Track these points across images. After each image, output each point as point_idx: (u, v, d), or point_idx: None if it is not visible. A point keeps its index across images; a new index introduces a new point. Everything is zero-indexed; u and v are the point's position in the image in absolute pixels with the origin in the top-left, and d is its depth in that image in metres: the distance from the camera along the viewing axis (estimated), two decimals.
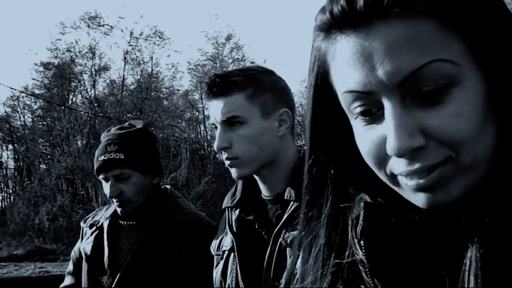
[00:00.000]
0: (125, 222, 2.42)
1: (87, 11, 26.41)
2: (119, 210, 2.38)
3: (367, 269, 0.74)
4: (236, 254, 1.72)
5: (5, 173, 29.17)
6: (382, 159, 0.71)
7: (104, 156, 2.31)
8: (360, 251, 0.75)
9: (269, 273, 1.60)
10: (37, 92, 27.80)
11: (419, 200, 0.70)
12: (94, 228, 2.48)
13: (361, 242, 0.75)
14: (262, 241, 1.67)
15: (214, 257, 1.91)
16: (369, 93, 0.69)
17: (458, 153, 0.66)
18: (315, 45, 0.78)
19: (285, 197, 1.64)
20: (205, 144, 26.38)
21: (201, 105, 27.30)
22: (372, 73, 0.67)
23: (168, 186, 2.59)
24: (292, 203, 1.63)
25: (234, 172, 1.70)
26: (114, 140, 2.35)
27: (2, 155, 28.99)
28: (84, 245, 2.47)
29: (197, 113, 27.90)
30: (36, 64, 27.26)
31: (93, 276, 2.40)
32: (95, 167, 2.36)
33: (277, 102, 1.71)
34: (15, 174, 28.45)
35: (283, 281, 0.95)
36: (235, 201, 1.81)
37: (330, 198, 0.82)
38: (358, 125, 0.74)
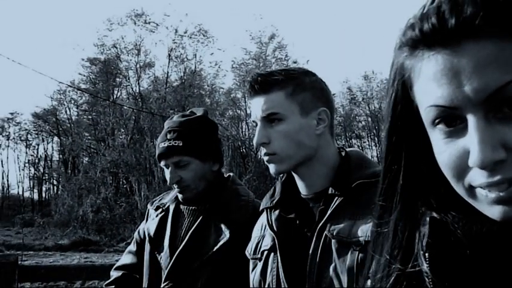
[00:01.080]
0: (186, 207, 2.46)
1: (133, 9, 26.85)
2: (179, 196, 2.44)
3: (430, 281, 0.77)
4: (278, 252, 1.73)
5: (50, 164, 29.88)
6: (462, 171, 0.73)
7: (164, 144, 2.35)
8: (424, 262, 0.78)
9: (313, 268, 1.62)
10: (83, 86, 28.39)
11: (495, 212, 0.71)
12: (160, 210, 2.55)
13: (426, 255, 0.78)
14: (304, 238, 1.67)
15: (251, 261, 1.92)
16: (454, 109, 0.71)
17: None
18: (398, 61, 0.81)
19: (330, 193, 1.67)
20: (247, 142, 26.57)
21: (244, 104, 27.53)
22: (458, 89, 0.70)
23: (231, 174, 2.59)
24: (336, 198, 1.66)
25: (272, 168, 1.72)
26: (174, 128, 2.38)
27: (47, 147, 29.67)
28: (149, 225, 2.54)
29: (239, 111, 28.16)
30: (83, 59, 27.80)
31: (154, 256, 2.45)
32: (156, 154, 2.41)
33: (316, 101, 1.74)
34: (60, 166, 29.10)
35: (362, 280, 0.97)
36: (274, 201, 1.82)
37: (398, 209, 0.85)
38: (438, 138, 0.76)
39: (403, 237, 0.83)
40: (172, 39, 26.78)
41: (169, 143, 2.33)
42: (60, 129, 28.41)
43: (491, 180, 0.69)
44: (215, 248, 2.24)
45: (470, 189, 0.73)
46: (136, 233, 2.64)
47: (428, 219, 0.81)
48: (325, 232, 1.61)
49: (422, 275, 0.78)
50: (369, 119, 31.29)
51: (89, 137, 28.03)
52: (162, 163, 2.37)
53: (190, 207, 2.44)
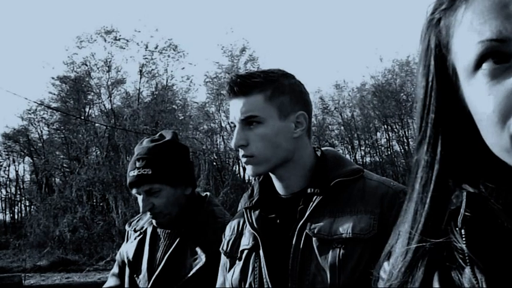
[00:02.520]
0: (162, 230, 2.47)
1: (103, 25, 26.75)
2: (154, 222, 2.43)
3: (466, 258, 0.74)
4: (261, 250, 1.73)
5: (22, 185, 29.45)
6: (509, 112, 0.70)
7: (133, 172, 2.35)
8: (460, 239, 0.76)
9: (295, 266, 1.62)
10: (53, 105, 28.11)
11: None
12: (138, 233, 2.55)
13: (462, 231, 0.76)
14: (285, 237, 1.68)
15: (225, 258, 1.93)
16: (503, 41, 0.70)
17: None
18: (430, 29, 0.83)
19: (308, 191, 1.69)
20: (223, 155, 26.62)
21: (218, 117, 27.62)
22: (507, 20, 0.69)
23: (208, 194, 2.60)
24: (315, 196, 1.67)
25: (249, 169, 1.75)
26: (143, 155, 2.36)
27: (18, 167, 29.23)
28: (128, 248, 2.55)
29: (214, 125, 28.18)
30: (53, 78, 27.54)
31: (133, 279, 2.46)
32: (127, 182, 2.40)
33: (294, 104, 1.75)
34: (32, 186, 28.70)
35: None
36: (253, 201, 1.83)
37: (423, 182, 0.84)
38: (482, 83, 0.74)
39: (427, 214, 0.82)
40: (143, 55, 26.78)
41: (139, 171, 2.33)
42: (32, 149, 28.01)
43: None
44: (191, 273, 2.25)
45: None
46: (118, 255, 2.64)
47: (465, 193, 0.79)
48: (306, 231, 1.63)
49: (450, 251, 0.77)
50: (342, 127, 31.56)
51: (62, 156, 27.71)
52: (134, 191, 2.37)
53: (167, 231, 2.45)
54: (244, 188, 23.31)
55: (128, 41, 26.44)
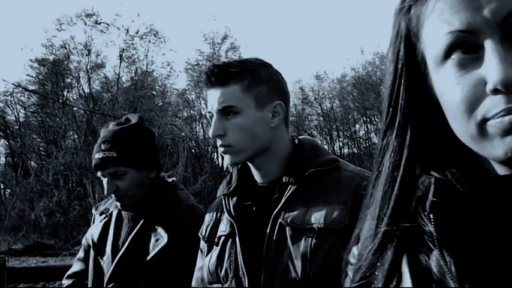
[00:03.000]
0: (127, 213, 2.49)
1: (84, 9, 26.43)
2: (118, 204, 2.45)
3: (435, 240, 0.76)
4: (238, 238, 1.75)
5: None
6: (477, 101, 0.72)
7: (98, 155, 2.36)
8: (429, 223, 0.77)
9: (269, 254, 1.64)
10: (31, 88, 27.73)
11: (508, 143, 0.71)
12: (104, 215, 2.57)
13: (431, 215, 0.77)
14: (261, 224, 1.70)
15: (203, 243, 1.95)
16: (471, 32, 0.72)
17: None
18: (401, 17, 0.84)
19: (283, 181, 1.70)
20: (202, 142, 26.57)
21: (198, 104, 27.55)
22: (477, 12, 0.71)
23: (174, 179, 2.63)
24: (290, 186, 1.69)
25: (227, 159, 1.78)
26: (108, 138, 2.38)
27: None
28: (93, 230, 2.57)
29: (193, 112, 28.12)
30: (32, 60, 27.19)
31: (98, 261, 2.48)
32: (92, 165, 2.42)
33: (271, 94, 1.77)
34: (7, 169, 28.32)
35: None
36: (231, 188, 1.85)
37: (390, 169, 0.85)
38: (450, 73, 0.76)
39: (395, 198, 0.83)
40: (124, 39, 26.55)
41: (104, 154, 2.35)
42: (8, 131, 27.63)
43: (510, 105, 0.69)
44: (153, 253, 2.29)
45: (482, 124, 0.73)
46: (84, 239, 2.64)
47: (432, 179, 0.80)
48: (280, 220, 1.66)
49: (419, 235, 0.79)
50: (321, 118, 31.69)
51: (39, 140, 27.39)
52: (99, 174, 2.40)
53: (131, 213, 2.48)
54: (223, 176, 23.20)
55: (108, 25, 26.22)
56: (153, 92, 28.06)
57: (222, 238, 1.83)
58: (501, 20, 0.71)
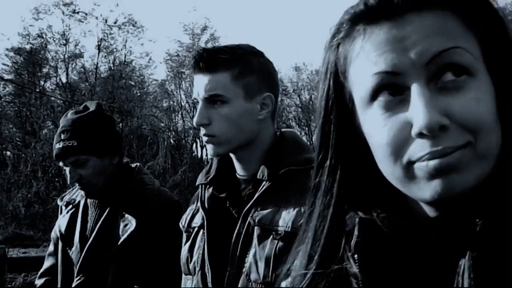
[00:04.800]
0: (92, 200, 2.49)
1: None
2: (82, 192, 2.48)
3: (360, 282, 0.75)
4: (205, 231, 1.71)
5: None
6: (403, 144, 0.72)
7: (59, 144, 2.35)
8: (354, 264, 0.76)
9: (236, 252, 1.60)
10: (7, 77, 27.37)
11: (434, 187, 0.70)
12: (70, 206, 2.55)
13: (355, 256, 0.76)
14: (232, 219, 1.66)
15: (184, 233, 1.90)
16: (397, 74, 0.72)
17: (476, 138, 0.69)
18: (331, 53, 0.83)
19: (258, 177, 1.65)
20: (182, 134, 26.56)
21: (177, 96, 27.50)
22: (403, 53, 0.71)
23: (138, 164, 2.63)
24: (264, 182, 1.63)
25: (210, 149, 1.71)
26: (67, 127, 2.35)
27: None
28: (60, 222, 2.56)
29: (173, 103, 28.05)
30: (8, 49, 26.80)
31: (66, 252, 2.47)
32: (54, 155, 2.42)
33: (261, 85, 1.70)
34: None
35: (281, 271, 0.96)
36: (209, 178, 1.79)
37: (321, 208, 0.84)
38: (377, 115, 0.75)
39: (325, 237, 0.82)
40: (102, 29, 26.34)
41: (64, 143, 2.33)
42: None
43: (435, 149, 0.69)
44: (122, 238, 2.29)
45: (408, 167, 0.72)
46: (52, 233, 2.63)
47: (357, 219, 0.79)
48: (249, 218, 1.62)
49: (346, 276, 0.78)
50: (299, 109, 31.81)
51: (15, 130, 27.07)
52: (61, 163, 2.41)
53: (96, 201, 2.49)
54: (202, 167, 23.30)
55: (86, 14, 25.95)
56: (131, 82, 27.88)
57: (195, 229, 1.81)
58: (427, 62, 0.71)
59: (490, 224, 0.68)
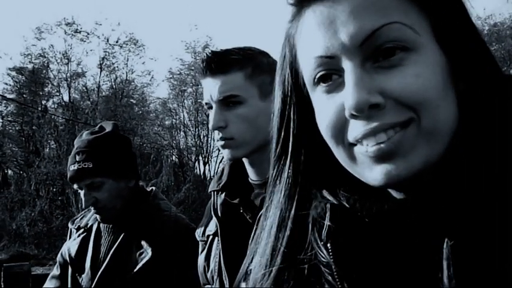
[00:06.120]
0: (106, 225, 2.39)
1: (64, 17, 26.35)
2: (98, 217, 2.36)
3: (334, 272, 0.71)
4: (220, 238, 1.67)
5: None
6: (341, 126, 0.70)
7: (74, 166, 2.26)
8: (326, 254, 0.72)
9: None
10: (9, 97, 27.48)
11: (378, 173, 0.68)
12: (82, 230, 2.46)
13: (328, 245, 0.72)
14: (246, 225, 1.59)
15: (200, 243, 1.85)
16: (331, 57, 0.70)
17: (419, 114, 0.66)
18: (286, 34, 0.81)
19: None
20: (185, 151, 26.62)
21: (181, 113, 27.60)
22: (334, 36, 0.69)
23: (153, 188, 2.52)
24: None
25: (227, 153, 1.64)
26: (83, 148, 2.27)
27: None
28: (70, 246, 2.45)
29: (175, 121, 28.15)
30: (10, 69, 26.95)
31: (76, 279, 2.37)
32: (68, 177, 2.32)
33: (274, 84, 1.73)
34: None
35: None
36: (221, 184, 1.74)
37: (287, 198, 0.80)
38: (318, 98, 0.74)
39: (291, 228, 0.78)
40: (104, 48, 26.54)
41: (79, 165, 2.23)
42: None
43: (368, 127, 0.67)
44: (137, 267, 2.17)
45: (350, 150, 0.71)
46: (59, 256, 2.50)
47: (328, 205, 0.75)
48: None
49: (316, 268, 0.73)
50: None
51: (17, 149, 27.11)
52: (75, 186, 2.29)
53: (110, 226, 2.38)
54: (205, 185, 23.39)
55: (88, 33, 26.15)
56: (133, 100, 28.03)
57: (210, 237, 1.77)
58: (360, 43, 0.68)
59: (466, 208, 0.65)
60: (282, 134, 0.82)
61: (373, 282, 0.69)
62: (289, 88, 0.81)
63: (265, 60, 1.67)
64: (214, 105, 1.62)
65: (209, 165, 26.49)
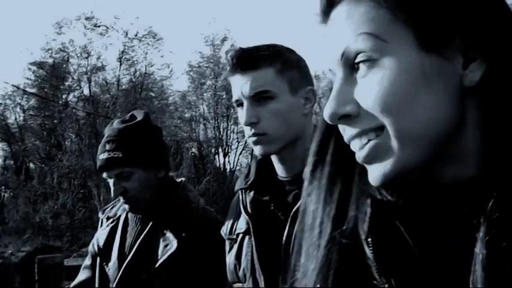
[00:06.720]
0: (134, 215, 2.38)
1: (83, 12, 26.51)
2: (126, 207, 2.34)
3: (375, 268, 0.71)
4: (252, 236, 1.66)
5: None
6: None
7: (103, 155, 2.23)
8: (367, 249, 0.72)
9: (288, 254, 1.53)
10: (30, 91, 27.77)
11: (370, 175, 0.71)
12: (111, 220, 2.46)
13: (369, 240, 0.72)
14: (278, 222, 1.60)
15: (226, 241, 1.85)
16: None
17: (386, 122, 0.68)
18: None
19: (303, 176, 1.55)
20: (205, 143, 26.74)
21: (200, 106, 27.73)
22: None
23: (183, 179, 2.50)
24: None
25: (259, 149, 1.64)
26: (113, 137, 2.25)
27: None
28: (99, 236, 2.46)
29: (195, 113, 28.26)
30: (31, 63, 27.21)
31: (103, 269, 2.37)
32: (97, 166, 2.30)
33: (303, 79, 1.67)
34: (7, 172, 28.27)
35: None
36: (249, 182, 1.74)
37: (328, 190, 0.82)
38: None
39: (333, 224, 0.78)
40: (123, 42, 26.68)
41: (109, 154, 2.21)
42: (10, 134, 27.66)
43: (348, 134, 0.73)
44: (162, 259, 2.16)
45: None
46: (90, 245, 2.52)
47: (369, 200, 0.76)
48: None
49: (362, 263, 0.73)
50: (318, 118, 31.89)
51: (38, 143, 27.42)
52: (104, 175, 2.28)
53: (138, 216, 2.37)
54: (226, 177, 23.54)
55: (107, 27, 26.30)
56: (152, 93, 28.18)
57: (240, 236, 1.76)
58: (340, 58, 0.74)
59: (501, 201, 0.63)
60: (324, 129, 0.85)
61: (408, 275, 0.69)
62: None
63: (293, 57, 1.69)
64: (245, 102, 1.62)
65: (229, 157, 26.67)
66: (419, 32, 0.68)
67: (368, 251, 0.71)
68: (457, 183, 0.69)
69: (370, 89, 0.69)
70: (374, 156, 0.70)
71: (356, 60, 0.71)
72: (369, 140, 0.70)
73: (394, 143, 0.68)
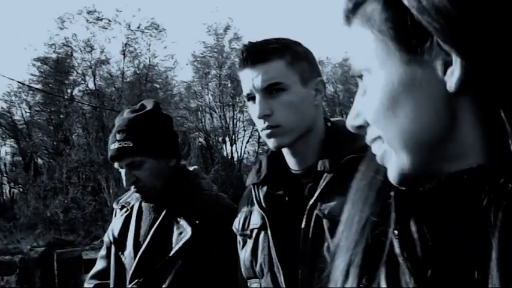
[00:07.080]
0: (147, 204, 2.38)
1: (85, 6, 26.51)
2: (138, 196, 2.34)
3: (402, 261, 0.70)
4: (269, 230, 1.65)
5: (4, 168, 29.08)
6: None
7: (114, 145, 2.23)
8: (395, 242, 0.71)
9: (307, 247, 1.54)
10: (35, 87, 27.84)
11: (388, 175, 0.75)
12: (125, 209, 2.46)
13: (395, 232, 0.72)
14: (294, 216, 1.59)
15: (239, 237, 1.83)
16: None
17: (379, 133, 0.73)
18: None
19: (318, 169, 1.58)
20: (212, 133, 26.82)
21: (206, 96, 27.80)
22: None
23: (196, 167, 2.49)
24: (326, 174, 1.57)
25: (273, 142, 1.63)
26: (123, 127, 2.23)
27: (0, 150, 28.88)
28: (113, 225, 2.47)
29: (201, 103, 28.31)
30: (35, 59, 27.27)
31: (119, 258, 2.38)
32: (109, 156, 2.30)
33: (312, 71, 1.68)
34: (13, 168, 28.44)
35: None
36: (261, 177, 1.74)
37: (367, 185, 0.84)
38: None
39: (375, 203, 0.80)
40: (126, 34, 26.68)
41: (120, 144, 2.21)
42: (17, 130, 27.81)
43: (367, 140, 0.78)
44: (177, 248, 2.17)
45: None
46: (105, 236, 2.53)
47: (392, 193, 0.76)
48: (316, 211, 1.55)
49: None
50: (324, 103, 31.93)
51: (46, 138, 27.54)
52: (116, 165, 2.28)
53: (151, 205, 2.36)
54: (233, 166, 23.63)
55: (110, 20, 26.31)
56: (156, 85, 28.23)
57: (255, 231, 1.74)
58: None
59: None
60: None
61: (434, 268, 0.68)
62: None
63: (300, 49, 1.69)
64: (257, 95, 1.62)
65: (236, 145, 26.77)
66: (397, 42, 0.68)
67: (396, 245, 0.71)
68: (459, 175, 0.69)
69: (365, 102, 0.74)
70: (383, 160, 0.75)
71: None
72: (378, 146, 0.75)
73: (390, 150, 0.72)
